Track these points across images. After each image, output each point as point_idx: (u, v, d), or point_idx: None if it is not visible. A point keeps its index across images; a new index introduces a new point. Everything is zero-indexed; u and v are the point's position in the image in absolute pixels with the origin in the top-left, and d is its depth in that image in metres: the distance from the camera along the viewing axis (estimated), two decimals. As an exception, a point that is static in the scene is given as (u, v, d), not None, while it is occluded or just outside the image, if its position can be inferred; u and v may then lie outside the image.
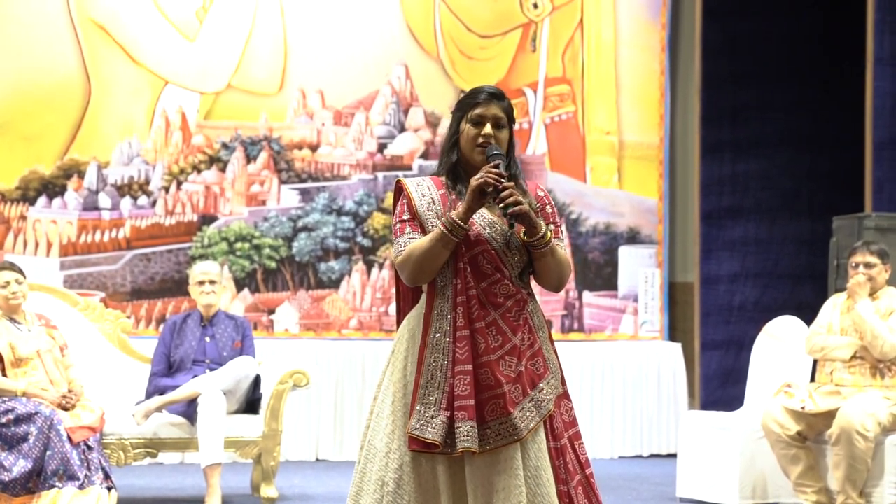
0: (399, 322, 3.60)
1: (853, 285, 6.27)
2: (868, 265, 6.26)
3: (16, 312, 6.10)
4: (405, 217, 3.43)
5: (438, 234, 3.31)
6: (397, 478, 3.33)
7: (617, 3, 9.40)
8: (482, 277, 3.37)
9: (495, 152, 3.37)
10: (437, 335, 3.36)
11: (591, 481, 3.45)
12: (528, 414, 3.34)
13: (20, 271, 6.13)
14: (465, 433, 3.29)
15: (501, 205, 3.28)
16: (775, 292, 8.77)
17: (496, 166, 3.31)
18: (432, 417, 3.31)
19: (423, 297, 3.46)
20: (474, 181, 3.28)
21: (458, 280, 3.36)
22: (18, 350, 6.00)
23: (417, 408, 3.33)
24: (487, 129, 3.40)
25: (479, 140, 3.40)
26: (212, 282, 6.68)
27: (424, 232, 3.39)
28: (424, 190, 3.45)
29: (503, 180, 3.28)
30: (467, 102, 3.44)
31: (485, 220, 3.40)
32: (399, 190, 3.51)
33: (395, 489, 3.33)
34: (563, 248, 3.47)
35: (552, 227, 3.44)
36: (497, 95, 3.45)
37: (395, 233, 3.44)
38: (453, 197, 3.42)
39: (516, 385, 3.34)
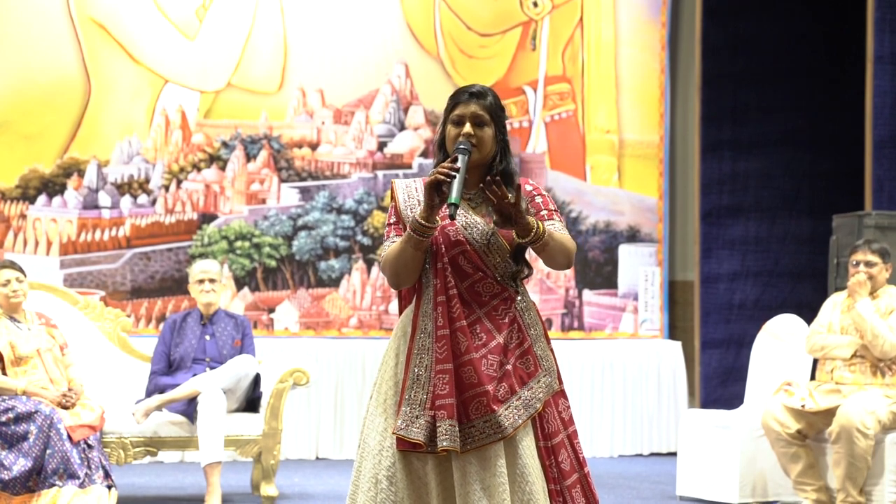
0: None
1: (853, 284, 6.27)
2: (869, 264, 6.26)
3: (16, 311, 6.10)
4: (391, 221, 3.47)
5: (406, 237, 3.33)
6: (390, 475, 3.35)
7: (617, 1, 9.41)
8: (463, 277, 3.38)
9: (460, 147, 3.35)
10: (422, 336, 3.38)
11: (588, 480, 3.45)
12: (514, 412, 3.34)
13: (21, 270, 6.13)
14: (445, 432, 3.29)
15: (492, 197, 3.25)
16: (775, 291, 8.78)
17: (454, 160, 3.30)
18: (416, 417, 3.32)
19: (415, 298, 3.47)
20: (426, 178, 3.29)
21: (437, 280, 3.37)
22: (18, 349, 6.00)
23: (404, 408, 3.34)
24: (467, 128, 3.38)
25: (459, 140, 3.38)
26: (211, 280, 6.68)
27: None
28: (412, 192, 3.46)
29: (454, 173, 3.26)
30: (451, 104, 3.44)
31: (466, 219, 3.40)
32: (392, 192, 3.53)
33: (389, 486, 3.34)
34: (561, 228, 3.43)
35: (544, 213, 3.43)
36: (478, 94, 3.42)
37: (383, 237, 3.50)
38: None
39: (502, 383, 3.34)
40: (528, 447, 3.36)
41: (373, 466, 3.37)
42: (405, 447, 3.33)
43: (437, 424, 3.30)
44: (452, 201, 3.24)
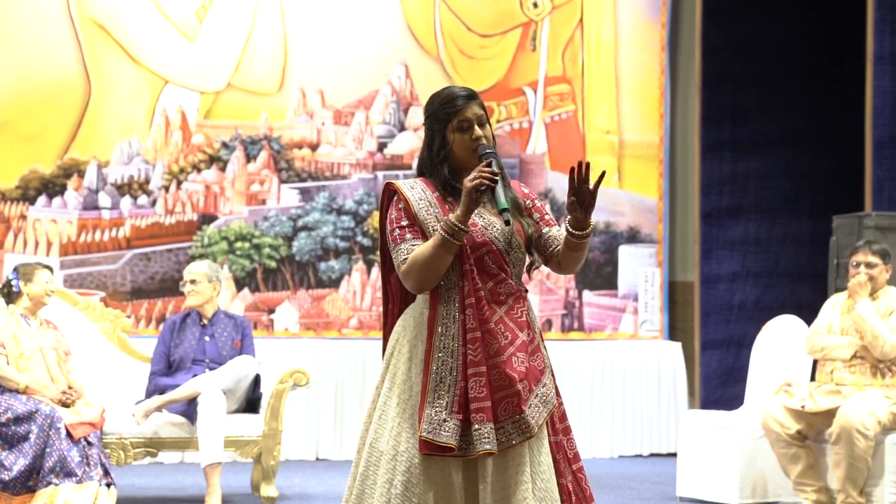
0: (386, 324, 3.58)
1: (854, 285, 6.27)
2: (869, 265, 6.26)
3: (37, 311, 6.15)
4: (404, 223, 3.39)
5: (440, 240, 3.28)
6: (405, 480, 3.30)
7: (617, 2, 9.41)
8: (488, 277, 3.36)
9: (487, 151, 3.35)
10: (444, 338, 3.33)
11: (577, 476, 3.45)
12: (535, 410, 3.34)
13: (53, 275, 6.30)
14: (485, 435, 3.27)
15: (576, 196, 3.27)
16: (775, 292, 8.78)
17: (489, 164, 3.29)
18: (444, 421, 3.28)
19: (423, 300, 3.43)
20: (469, 182, 3.25)
21: (465, 282, 3.33)
22: (22, 343, 6.01)
23: (427, 411, 3.29)
24: (478, 131, 3.38)
25: (474, 146, 3.37)
26: (192, 281, 6.67)
27: (424, 236, 3.36)
28: (420, 193, 3.42)
29: (497, 177, 3.27)
30: (447, 112, 3.40)
31: (484, 220, 3.39)
32: (391, 193, 3.47)
33: (404, 492, 3.29)
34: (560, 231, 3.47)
35: (548, 218, 3.50)
36: (471, 95, 3.42)
37: (393, 239, 3.40)
38: (450, 199, 3.40)
39: (525, 382, 3.34)
40: (544, 444, 3.38)
41: (386, 472, 3.32)
42: (432, 451, 3.28)
43: (476, 427, 3.27)
44: (504, 206, 3.26)
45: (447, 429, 3.28)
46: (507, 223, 3.27)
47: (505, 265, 3.38)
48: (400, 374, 3.41)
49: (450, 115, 3.39)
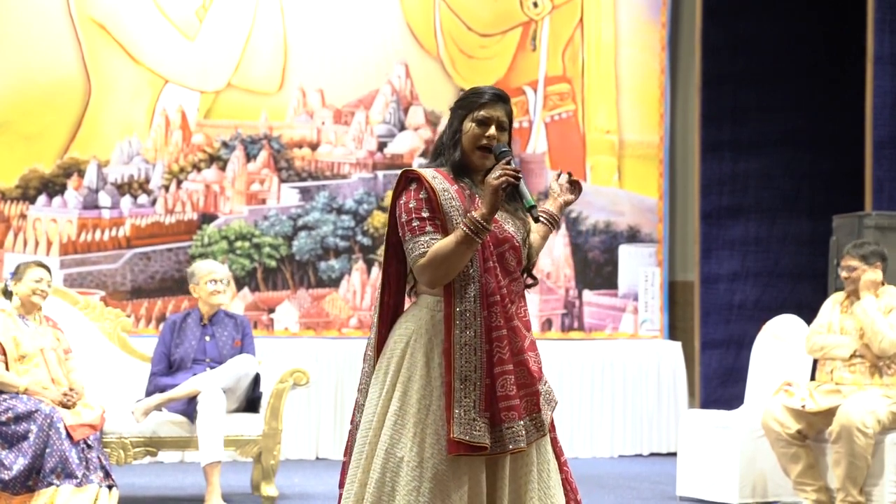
0: (383, 314, 3.46)
1: (867, 281, 6.28)
2: (849, 268, 6.30)
3: (33, 310, 6.13)
4: (424, 214, 3.31)
5: (463, 237, 3.23)
6: (432, 487, 3.25)
7: (617, 1, 9.41)
8: (506, 274, 3.35)
9: (504, 149, 3.33)
10: (465, 335, 3.27)
11: (564, 469, 3.47)
12: (544, 408, 3.36)
13: (50, 273, 6.21)
14: (518, 433, 3.26)
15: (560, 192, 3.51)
16: (775, 291, 8.78)
17: (508, 163, 3.28)
18: (474, 420, 3.24)
19: (432, 301, 3.37)
20: (494, 181, 3.22)
21: (489, 278, 3.30)
22: (22, 346, 6.00)
23: (456, 411, 3.24)
24: (492, 130, 3.36)
25: (482, 142, 3.36)
26: (222, 281, 6.70)
27: (444, 230, 3.29)
28: (440, 183, 3.35)
29: (520, 175, 3.26)
30: (472, 102, 3.39)
31: (501, 216, 3.38)
32: (411, 180, 3.38)
33: (431, 498, 3.25)
34: None
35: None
36: (502, 98, 3.41)
37: (411, 230, 3.31)
38: (468, 192, 3.37)
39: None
40: (547, 440, 3.40)
41: (412, 479, 3.26)
42: (464, 451, 3.24)
43: (508, 426, 3.26)
44: (532, 204, 3.26)
45: (478, 428, 3.24)
46: (536, 220, 3.28)
47: (520, 262, 3.39)
48: (417, 378, 3.32)
49: (473, 104, 3.39)
